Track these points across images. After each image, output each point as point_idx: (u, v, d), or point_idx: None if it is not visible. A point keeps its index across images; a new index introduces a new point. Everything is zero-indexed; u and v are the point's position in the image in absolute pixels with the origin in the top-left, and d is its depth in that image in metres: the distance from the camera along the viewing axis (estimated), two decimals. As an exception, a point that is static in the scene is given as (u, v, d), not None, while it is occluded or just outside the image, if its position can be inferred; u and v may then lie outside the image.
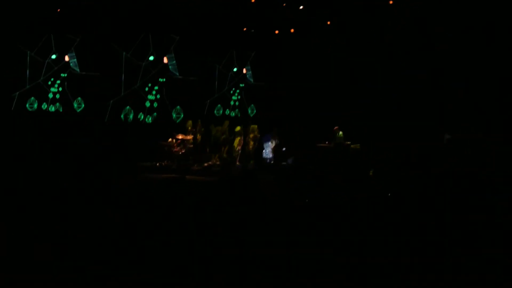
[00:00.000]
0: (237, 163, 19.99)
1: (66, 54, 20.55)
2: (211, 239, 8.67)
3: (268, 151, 20.49)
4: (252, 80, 24.37)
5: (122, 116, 21.10)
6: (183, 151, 19.05)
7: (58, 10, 19.60)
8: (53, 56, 20.18)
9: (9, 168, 15.60)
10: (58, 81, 20.68)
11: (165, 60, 22.88)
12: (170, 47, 22.03)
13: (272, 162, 20.50)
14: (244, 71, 24.13)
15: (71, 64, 20.50)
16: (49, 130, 19.52)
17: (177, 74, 22.19)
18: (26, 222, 9.55)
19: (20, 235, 8.68)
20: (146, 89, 21.65)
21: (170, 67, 22.53)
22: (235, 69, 23.71)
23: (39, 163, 16.89)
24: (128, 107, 21.16)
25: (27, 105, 19.79)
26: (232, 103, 24.03)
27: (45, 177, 14.69)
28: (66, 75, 20.56)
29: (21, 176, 14.69)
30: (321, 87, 22.65)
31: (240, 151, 20.20)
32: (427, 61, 20.83)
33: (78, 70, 20.57)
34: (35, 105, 19.96)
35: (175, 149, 19.01)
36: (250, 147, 20.29)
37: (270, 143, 20.56)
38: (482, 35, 19.70)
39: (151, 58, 21.63)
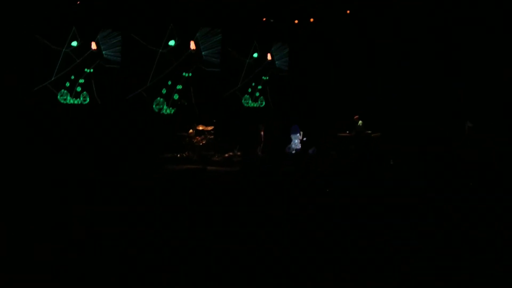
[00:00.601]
0: (259, 153, 20.10)
1: (95, 45, 20.77)
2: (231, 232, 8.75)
3: (296, 142, 20.53)
4: (281, 68, 24.29)
5: (154, 106, 21.18)
6: (204, 142, 19.12)
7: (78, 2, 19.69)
8: (74, 44, 20.21)
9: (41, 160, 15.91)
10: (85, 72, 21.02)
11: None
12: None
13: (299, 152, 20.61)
14: (269, 57, 24.05)
15: (104, 54, 20.65)
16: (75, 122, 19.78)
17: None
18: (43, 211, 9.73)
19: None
20: (169, 82, 21.69)
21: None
22: (255, 55, 23.60)
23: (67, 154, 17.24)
24: (160, 98, 21.25)
25: (58, 97, 19.99)
26: (257, 94, 24.02)
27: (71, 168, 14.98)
28: (92, 70, 20.72)
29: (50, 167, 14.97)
30: (341, 76, 22.60)
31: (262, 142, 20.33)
32: (446, 53, 20.66)
33: (113, 60, 20.72)
34: (68, 98, 20.15)
35: (196, 140, 19.09)
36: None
37: (298, 134, 20.59)
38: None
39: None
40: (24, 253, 7.49)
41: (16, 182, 12.36)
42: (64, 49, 19.84)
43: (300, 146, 20.62)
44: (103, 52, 20.47)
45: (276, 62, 24.07)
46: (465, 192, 11.80)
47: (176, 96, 21.55)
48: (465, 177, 13.71)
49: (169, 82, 21.44)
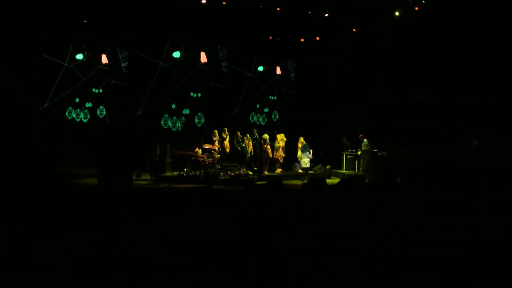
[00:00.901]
0: (265, 172, 20.07)
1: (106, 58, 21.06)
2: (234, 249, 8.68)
3: (306, 161, 20.51)
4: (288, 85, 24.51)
5: (162, 122, 21.40)
6: (209, 160, 19.11)
7: (85, 21, 19.82)
8: (80, 57, 20.47)
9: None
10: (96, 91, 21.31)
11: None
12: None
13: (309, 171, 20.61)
14: (278, 71, 24.21)
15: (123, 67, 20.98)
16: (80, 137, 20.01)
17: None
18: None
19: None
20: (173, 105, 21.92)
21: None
22: (260, 68, 23.76)
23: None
24: (166, 114, 21.56)
25: (66, 114, 20.28)
26: (266, 110, 24.15)
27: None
28: (101, 90, 20.99)
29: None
30: (347, 95, 22.65)
31: (267, 159, 20.31)
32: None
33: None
34: (74, 114, 20.52)
35: (201, 159, 19.07)
36: (275, 155, 20.40)
37: (308, 152, 20.59)
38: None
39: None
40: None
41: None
42: (65, 64, 20.05)
43: (310, 165, 20.58)
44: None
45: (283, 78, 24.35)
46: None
47: (186, 111, 21.86)
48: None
49: (173, 105, 21.72)
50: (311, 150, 20.51)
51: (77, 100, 20.90)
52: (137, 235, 9.46)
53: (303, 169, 20.30)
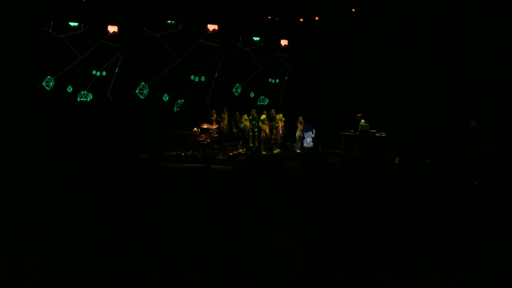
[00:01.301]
0: (263, 152, 20.06)
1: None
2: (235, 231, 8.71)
3: (309, 140, 20.47)
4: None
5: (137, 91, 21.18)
6: (208, 140, 19.10)
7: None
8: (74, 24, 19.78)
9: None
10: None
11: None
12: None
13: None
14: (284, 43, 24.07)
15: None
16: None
17: None
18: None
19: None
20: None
21: None
22: (256, 38, 23.59)
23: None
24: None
25: (78, 98, 20.04)
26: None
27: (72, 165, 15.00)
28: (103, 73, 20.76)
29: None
30: (346, 75, 22.55)
31: (265, 139, 20.28)
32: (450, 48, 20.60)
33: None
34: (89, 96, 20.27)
35: (200, 139, 19.07)
36: (273, 135, 20.36)
37: (310, 132, 20.53)
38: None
39: None
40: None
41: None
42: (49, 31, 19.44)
43: (312, 144, 20.60)
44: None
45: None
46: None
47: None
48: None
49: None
50: (314, 130, 20.49)
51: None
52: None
53: (303, 148, 20.36)
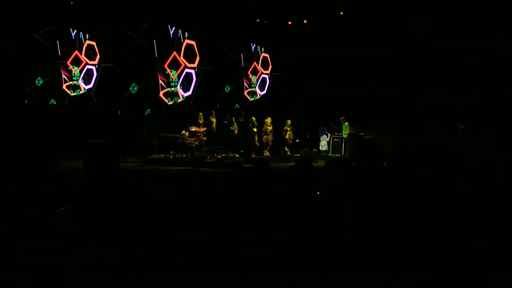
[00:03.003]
0: (253, 155, 20.02)
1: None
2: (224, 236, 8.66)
3: (324, 144, 20.51)
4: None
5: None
6: (196, 143, 19.07)
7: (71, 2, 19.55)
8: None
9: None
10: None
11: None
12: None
13: (328, 154, 20.59)
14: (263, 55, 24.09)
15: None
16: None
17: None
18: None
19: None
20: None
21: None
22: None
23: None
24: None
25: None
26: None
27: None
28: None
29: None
30: (333, 77, 22.59)
31: (255, 142, 20.26)
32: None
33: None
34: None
35: (188, 141, 19.02)
36: (264, 139, 20.35)
37: (325, 135, 20.58)
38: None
39: None
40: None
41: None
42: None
43: (326, 148, 20.64)
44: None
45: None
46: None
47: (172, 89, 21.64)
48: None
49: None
50: (328, 134, 20.54)
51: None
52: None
53: (320, 151, 20.44)
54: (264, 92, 24.60)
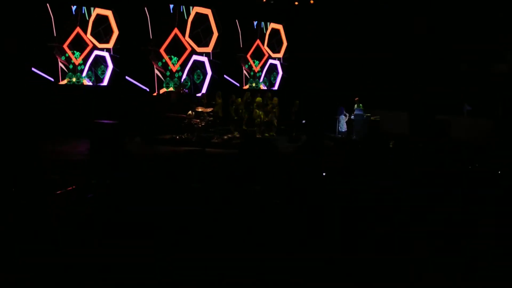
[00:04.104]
0: (258, 135, 20.01)
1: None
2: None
3: (342, 124, 20.56)
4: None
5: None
6: (202, 123, 19.05)
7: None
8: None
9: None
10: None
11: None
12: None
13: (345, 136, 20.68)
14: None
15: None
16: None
17: None
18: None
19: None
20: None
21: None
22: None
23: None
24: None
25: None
26: (252, 73, 23.92)
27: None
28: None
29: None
30: (344, 57, 22.48)
31: (260, 123, 20.23)
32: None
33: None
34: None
35: (194, 122, 19.00)
36: (268, 118, 20.32)
37: (343, 116, 20.61)
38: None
39: None
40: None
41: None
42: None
43: (345, 128, 20.63)
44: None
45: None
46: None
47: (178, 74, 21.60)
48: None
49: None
50: (347, 114, 20.54)
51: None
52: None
53: (341, 132, 20.40)
54: (275, 87, 24.54)
